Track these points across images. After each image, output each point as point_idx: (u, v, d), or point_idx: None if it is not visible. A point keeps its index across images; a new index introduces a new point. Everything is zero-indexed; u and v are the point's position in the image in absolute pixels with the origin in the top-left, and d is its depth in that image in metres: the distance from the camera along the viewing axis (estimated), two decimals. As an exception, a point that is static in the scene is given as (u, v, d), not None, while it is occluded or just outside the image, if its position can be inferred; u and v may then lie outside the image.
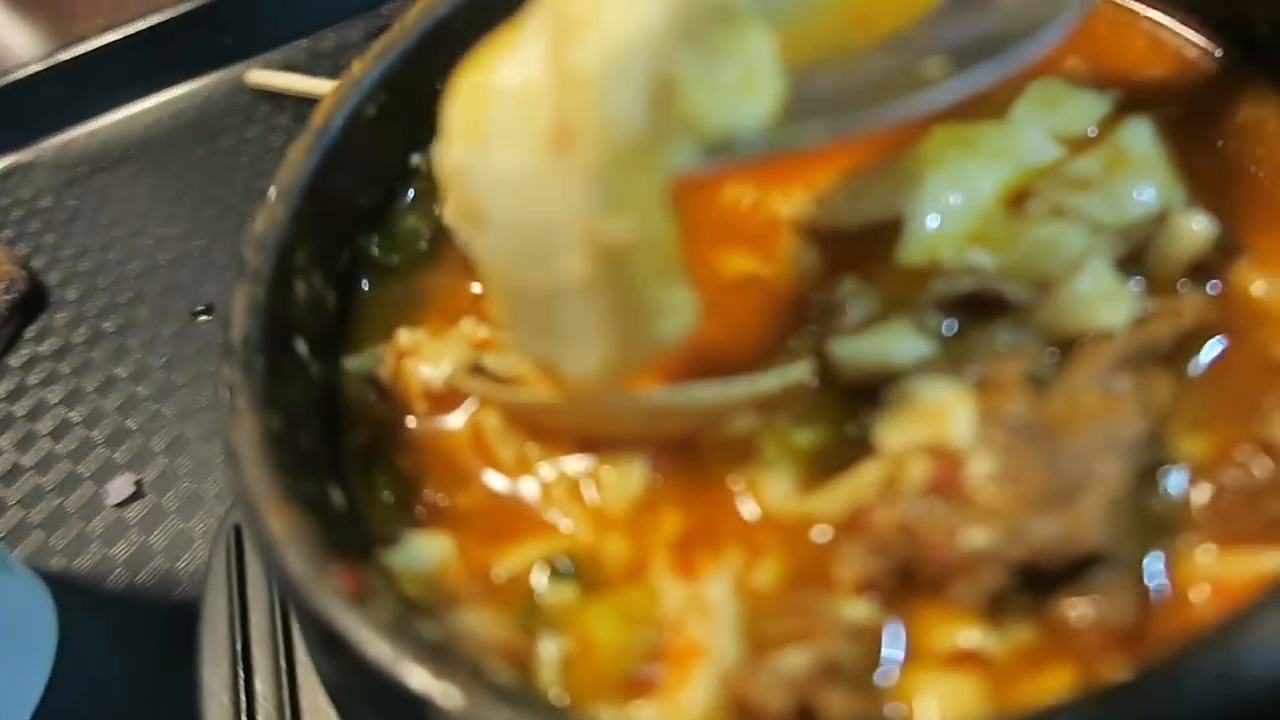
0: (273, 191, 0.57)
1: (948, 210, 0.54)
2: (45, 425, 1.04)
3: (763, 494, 0.48)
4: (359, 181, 0.62)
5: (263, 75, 1.26)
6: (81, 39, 1.31)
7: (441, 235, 0.63)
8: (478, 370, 0.55)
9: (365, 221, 0.63)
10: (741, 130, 0.44)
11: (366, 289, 0.62)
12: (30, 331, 1.13)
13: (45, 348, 1.11)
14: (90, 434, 1.01)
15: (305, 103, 1.22)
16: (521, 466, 0.53)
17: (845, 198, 0.56)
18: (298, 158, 0.58)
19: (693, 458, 0.51)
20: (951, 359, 0.47)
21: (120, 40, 1.30)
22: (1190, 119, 0.54)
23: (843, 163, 0.58)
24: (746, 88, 0.44)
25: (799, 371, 0.49)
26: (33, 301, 1.15)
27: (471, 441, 0.54)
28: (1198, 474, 0.43)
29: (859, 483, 0.45)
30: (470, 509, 0.53)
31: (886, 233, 0.55)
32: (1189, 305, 0.47)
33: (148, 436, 1.00)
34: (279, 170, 0.58)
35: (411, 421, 0.56)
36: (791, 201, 0.57)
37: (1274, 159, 0.51)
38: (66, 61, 1.30)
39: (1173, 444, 0.44)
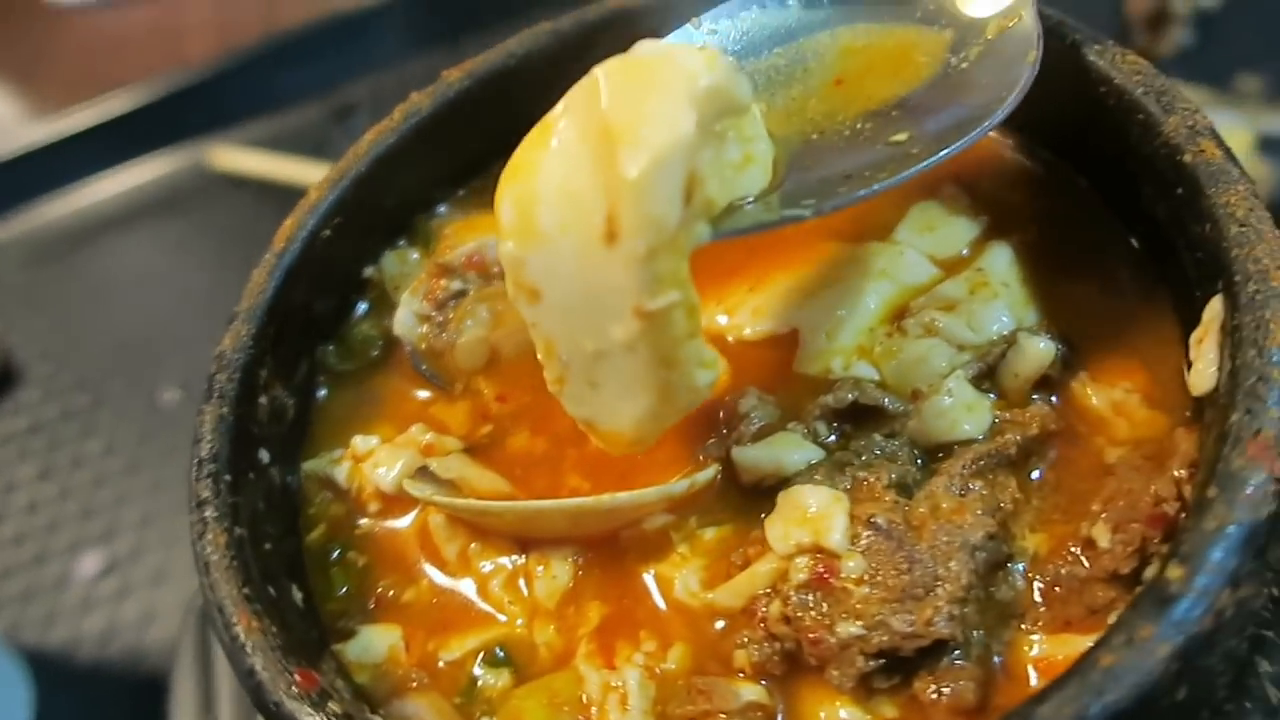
0: (237, 313, 0.63)
1: (839, 325, 0.61)
2: (18, 500, 1.08)
3: (672, 587, 0.55)
4: (316, 296, 0.69)
5: (226, 156, 1.33)
6: (52, 119, 1.37)
7: (393, 342, 0.69)
8: (424, 473, 0.61)
9: (322, 332, 0.70)
10: (746, 197, 0.53)
11: (323, 395, 0.69)
12: (3, 408, 1.17)
13: (18, 424, 1.15)
14: (63, 509, 1.06)
15: (267, 183, 1.29)
16: (463, 563, 0.59)
17: (749, 311, 0.64)
18: (260, 279, 0.64)
19: (614, 553, 0.57)
20: (835, 464, 0.54)
21: (89, 121, 1.36)
22: (1045, 242, 0.62)
23: (748, 278, 0.65)
24: (747, 160, 0.53)
25: (705, 477, 0.56)
26: (5, 378, 1.19)
27: (418, 539, 0.61)
28: (1035, 568, 0.51)
29: (754, 578, 0.52)
30: (416, 602, 0.59)
31: (786, 344, 0.62)
32: (1035, 416, 0.55)
33: (119, 511, 1.05)
34: (243, 292, 0.64)
35: (364, 521, 0.62)
36: (708, 316, 0.64)
37: (1108, 282, 0.59)
38: (37, 142, 1.36)
39: (1017, 541, 0.52)
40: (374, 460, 0.62)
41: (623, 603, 0.56)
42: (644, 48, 0.51)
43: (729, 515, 0.57)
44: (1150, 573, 0.45)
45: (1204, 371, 0.49)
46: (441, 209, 0.75)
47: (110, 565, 1.00)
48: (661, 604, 0.55)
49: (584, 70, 0.74)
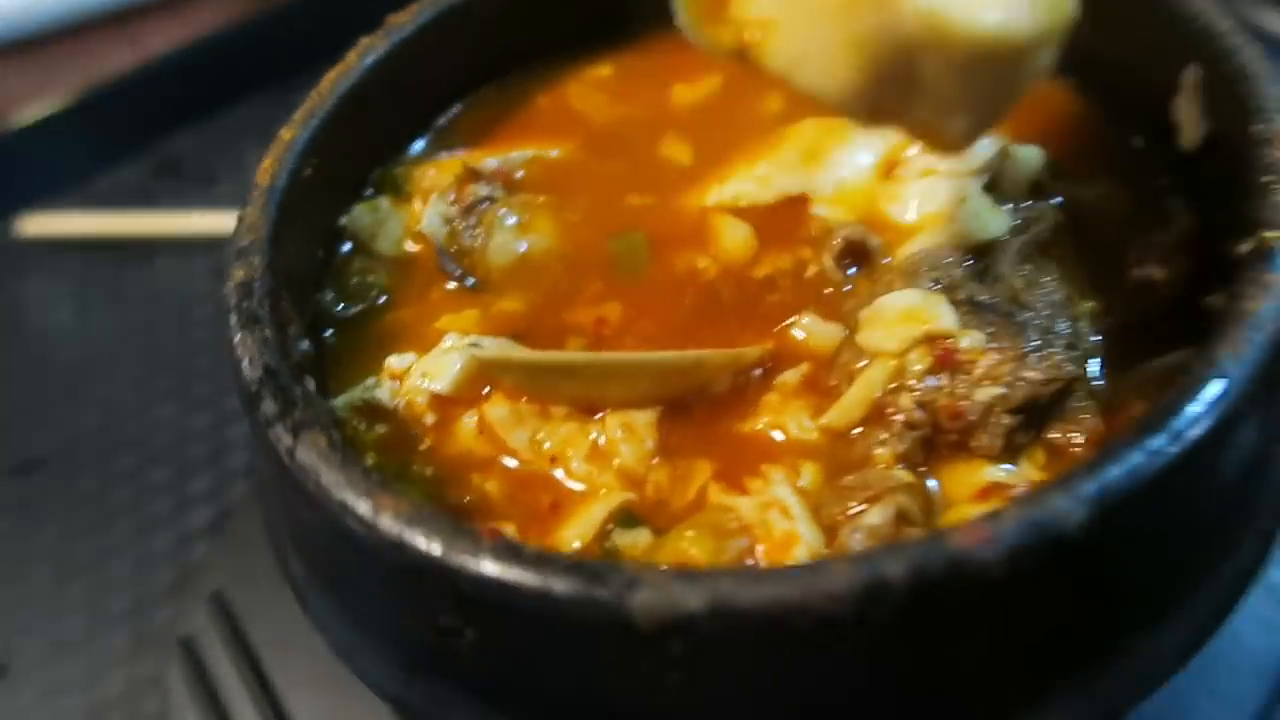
0: (241, 248, 0.57)
1: (839, 182, 0.66)
2: None
3: (787, 428, 0.55)
4: (305, 238, 0.64)
5: (39, 223, 1.19)
6: None
7: (397, 285, 0.66)
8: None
9: (316, 278, 0.65)
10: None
11: (331, 340, 0.63)
12: None
13: None
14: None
15: (94, 242, 1.16)
16: (535, 449, 0.56)
17: (755, 182, 0.67)
18: (254, 216, 0.59)
19: (696, 415, 0.57)
20: (903, 274, 0.57)
21: None
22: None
23: (743, 158, 0.68)
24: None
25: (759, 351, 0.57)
26: None
27: (482, 437, 0.57)
28: (1098, 322, 0.56)
29: (870, 385, 0.54)
30: (503, 497, 0.55)
31: (795, 205, 0.65)
32: (1047, 210, 0.61)
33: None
34: (239, 231, 0.59)
35: (425, 439, 0.58)
36: (719, 192, 0.66)
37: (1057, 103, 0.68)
38: None
39: (1078, 304, 0.57)
40: (418, 372, 0.58)
41: (726, 454, 0.55)
42: None
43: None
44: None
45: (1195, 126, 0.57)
46: (409, 154, 0.73)
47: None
48: (774, 441, 0.55)
49: (531, 10, 0.76)
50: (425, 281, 0.67)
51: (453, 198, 0.67)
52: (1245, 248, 0.49)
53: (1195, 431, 0.42)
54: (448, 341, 0.60)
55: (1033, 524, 0.39)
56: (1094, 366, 0.54)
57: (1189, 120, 0.57)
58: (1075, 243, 0.61)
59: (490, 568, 0.42)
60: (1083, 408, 0.52)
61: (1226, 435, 0.44)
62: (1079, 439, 0.51)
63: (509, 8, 0.76)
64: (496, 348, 0.58)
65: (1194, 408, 0.42)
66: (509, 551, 0.42)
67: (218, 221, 1.17)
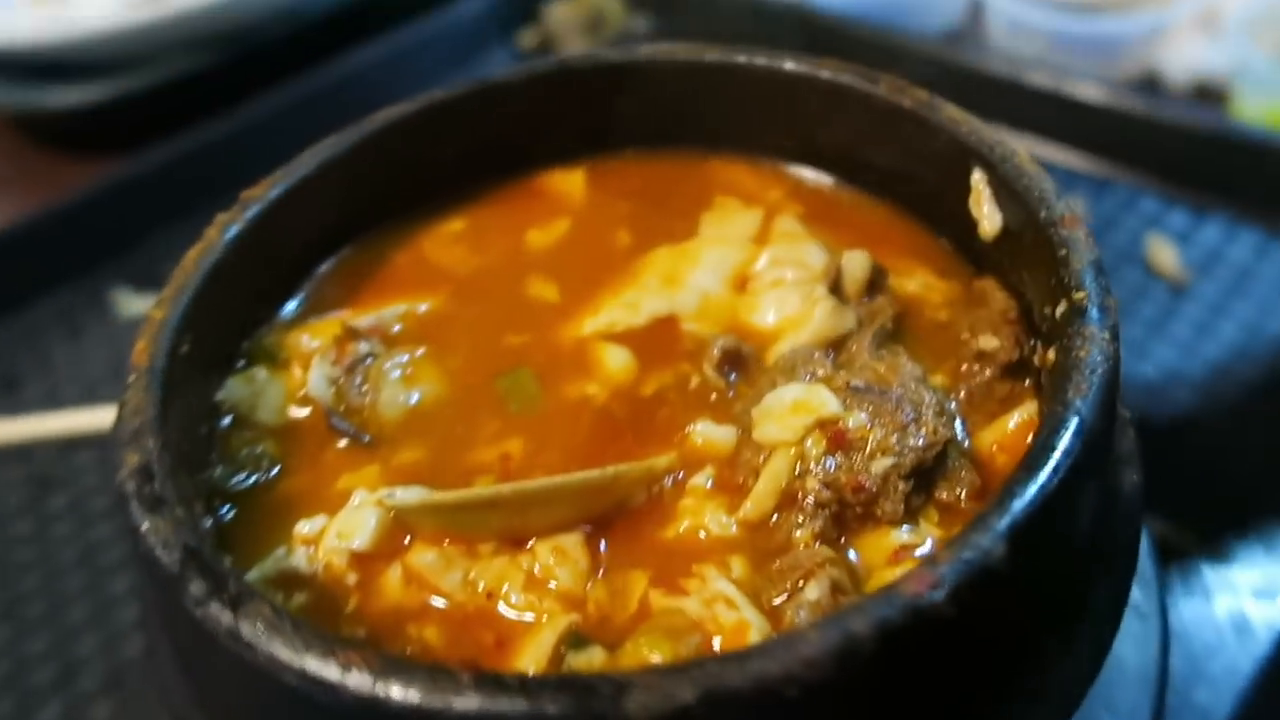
0: (127, 432, 0.55)
1: (700, 300, 0.72)
2: None
3: (708, 528, 0.58)
4: (187, 417, 0.62)
5: None
6: None
7: (288, 451, 0.65)
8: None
9: (204, 455, 0.63)
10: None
11: (228, 515, 0.61)
12: None
13: None
14: None
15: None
16: (470, 588, 0.56)
17: (624, 309, 0.72)
18: (137, 400, 0.57)
19: (619, 531, 0.59)
20: (780, 371, 0.63)
21: None
22: (812, 211, 0.80)
23: (608, 292, 0.73)
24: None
25: (668, 460, 0.61)
26: None
27: (409, 586, 0.57)
28: (951, 391, 0.64)
29: (775, 475, 0.58)
30: (443, 641, 0.54)
31: (663, 326, 0.71)
32: (884, 303, 0.69)
33: None
34: (123, 415, 0.56)
35: (350, 600, 0.56)
36: (593, 322, 0.71)
37: (863, 219, 0.78)
38: None
39: (932, 377, 0.65)
40: (334, 533, 0.58)
41: (659, 564, 0.58)
42: None
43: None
44: (1040, 358, 0.60)
45: (991, 219, 0.67)
46: (277, 321, 0.73)
47: None
48: (700, 540, 0.58)
49: (376, 174, 0.79)
50: (317, 444, 0.66)
51: (334, 358, 0.68)
52: (1060, 310, 0.58)
53: (1067, 462, 0.49)
54: (357, 498, 0.60)
55: (966, 562, 0.44)
56: (959, 429, 0.61)
57: (984, 215, 0.68)
58: (916, 326, 0.70)
59: (475, 702, 0.42)
60: (960, 466, 0.59)
61: (1087, 463, 0.51)
62: (962, 494, 0.58)
63: (356, 174, 0.78)
64: (412, 495, 0.59)
65: (1062, 443, 0.49)
66: (492, 683, 0.42)
67: (26, 428, 1.09)
